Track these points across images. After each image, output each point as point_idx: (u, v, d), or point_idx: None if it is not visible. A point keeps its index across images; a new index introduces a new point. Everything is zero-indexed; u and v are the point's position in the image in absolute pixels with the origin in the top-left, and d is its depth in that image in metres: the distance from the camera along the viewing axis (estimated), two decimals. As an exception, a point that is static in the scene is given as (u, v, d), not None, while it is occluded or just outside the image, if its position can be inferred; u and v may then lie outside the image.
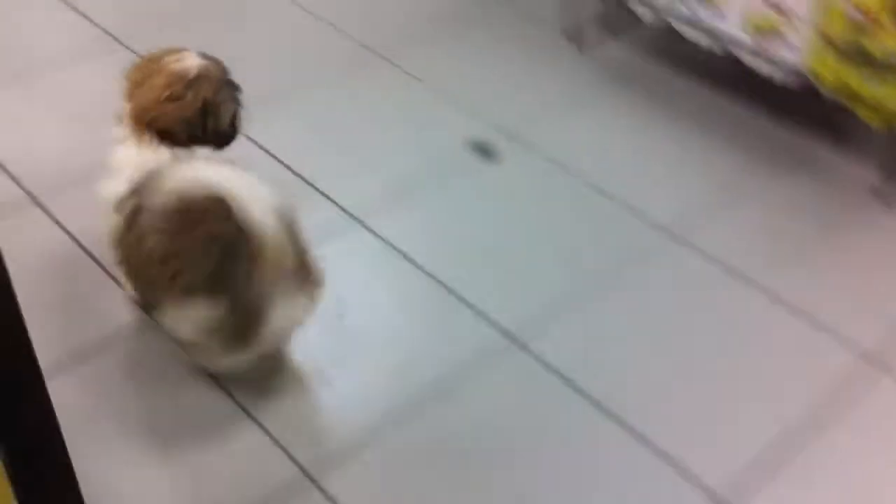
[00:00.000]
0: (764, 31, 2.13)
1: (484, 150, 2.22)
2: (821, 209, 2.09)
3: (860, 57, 1.97)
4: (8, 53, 2.50)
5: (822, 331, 1.83)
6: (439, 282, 1.91)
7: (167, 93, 1.69)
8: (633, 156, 2.24)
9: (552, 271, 1.96)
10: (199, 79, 1.72)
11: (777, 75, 2.15)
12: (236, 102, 1.78)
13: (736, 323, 1.86)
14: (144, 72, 1.73)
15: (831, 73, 2.04)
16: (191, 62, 1.73)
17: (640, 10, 2.37)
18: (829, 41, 2.02)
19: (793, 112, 2.30)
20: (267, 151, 2.19)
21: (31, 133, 2.25)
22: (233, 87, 1.78)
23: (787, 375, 1.76)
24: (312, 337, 1.73)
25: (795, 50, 2.09)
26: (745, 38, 2.17)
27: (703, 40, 2.26)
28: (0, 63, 2.47)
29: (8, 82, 2.40)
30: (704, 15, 2.22)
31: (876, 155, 2.16)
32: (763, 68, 2.17)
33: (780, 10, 2.08)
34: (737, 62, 2.22)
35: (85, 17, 2.64)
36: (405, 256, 1.96)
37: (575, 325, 1.84)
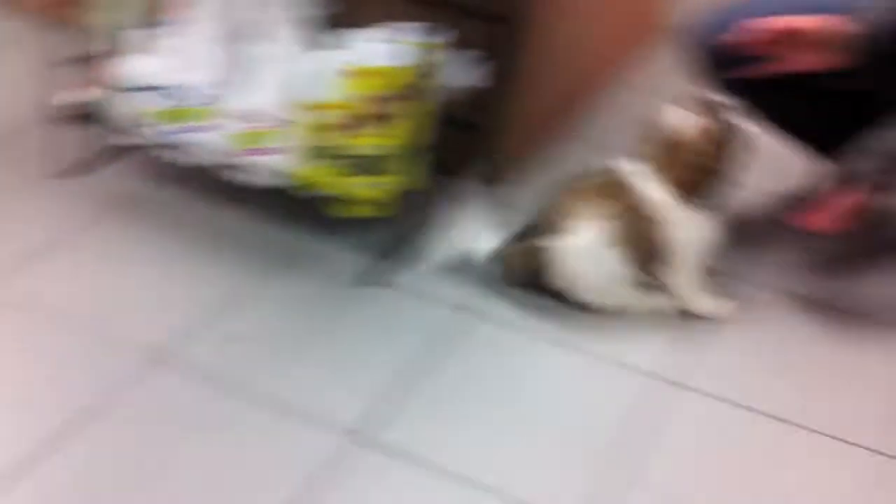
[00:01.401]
0: (245, 143, 2.13)
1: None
2: (316, 301, 2.10)
3: (334, 156, 2.06)
4: None
5: (291, 417, 1.80)
6: None
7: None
8: (116, 285, 2.11)
9: None
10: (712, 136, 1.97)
11: (258, 181, 2.15)
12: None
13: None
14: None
15: (309, 172, 2.09)
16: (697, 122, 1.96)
17: (113, 138, 2.29)
18: (307, 144, 2.08)
19: (282, 213, 2.29)
20: None
21: None
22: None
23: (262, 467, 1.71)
24: None
25: (275, 155, 2.11)
26: (224, 151, 2.15)
27: (180, 158, 2.21)
28: None
29: None
30: (183, 135, 2.19)
31: (359, 240, 2.22)
32: (242, 177, 2.17)
33: (257, 123, 2.11)
34: (218, 173, 2.20)
35: None
36: None
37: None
